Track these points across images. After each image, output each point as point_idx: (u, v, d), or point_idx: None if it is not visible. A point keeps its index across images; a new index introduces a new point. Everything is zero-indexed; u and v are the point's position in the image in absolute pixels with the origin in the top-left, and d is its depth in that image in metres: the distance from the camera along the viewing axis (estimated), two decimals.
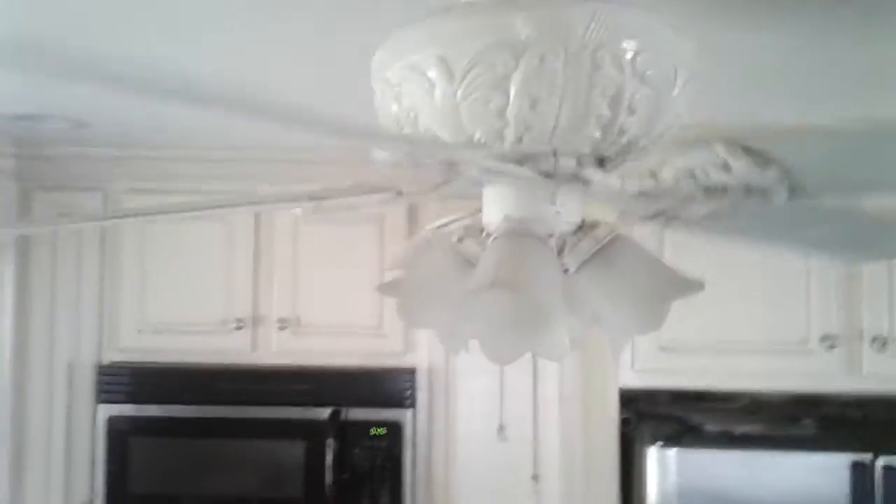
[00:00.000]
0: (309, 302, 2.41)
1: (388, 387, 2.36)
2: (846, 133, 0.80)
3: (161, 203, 2.16)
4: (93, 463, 2.37)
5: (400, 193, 1.02)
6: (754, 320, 2.22)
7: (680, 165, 0.92)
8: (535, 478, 2.11)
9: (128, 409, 2.36)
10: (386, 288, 1.06)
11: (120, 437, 2.35)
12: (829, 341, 2.22)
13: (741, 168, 0.87)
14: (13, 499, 2.39)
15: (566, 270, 1.00)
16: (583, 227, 0.99)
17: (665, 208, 0.95)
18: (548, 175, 0.97)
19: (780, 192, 0.91)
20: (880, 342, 2.21)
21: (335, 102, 1.93)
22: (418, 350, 2.41)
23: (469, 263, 1.01)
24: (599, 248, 0.98)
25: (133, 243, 2.42)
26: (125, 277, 2.43)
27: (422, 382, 2.40)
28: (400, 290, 1.04)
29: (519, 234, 0.94)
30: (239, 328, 2.40)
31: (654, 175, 0.95)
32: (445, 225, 1.19)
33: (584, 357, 2.24)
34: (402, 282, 1.05)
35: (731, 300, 2.14)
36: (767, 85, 1.70)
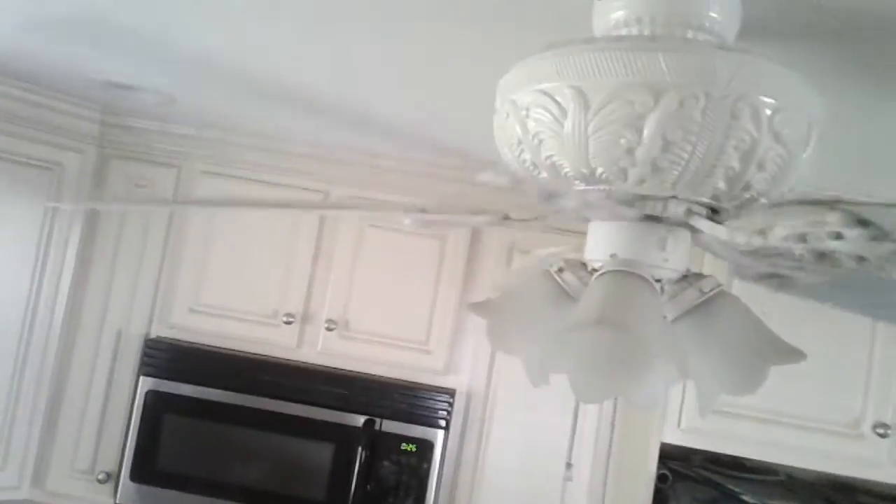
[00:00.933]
0: (360, 307, 2.42)
1: (425, 404, 2.35)
2: None
3: (262, 197, 2.21)
4: (125, 434, 2.38)
5: (507, 217, 1.02)
6: (809, 396, 2.17)
7: (791, 227, 0.90)
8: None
9: (167, 386, 2.37)
10: (477, 307, 1.05)
11: (155, 411, 2.36)
12: (881, 429, 2.16)
13: (854, 238, 0.85)
14: (40, 456, 2.41)
15: (664, 318, 0.98)
16: (687, 277, 0.98)
17: (779, 271, 0.93)
18: (656, 219, 0.96)
19: (893, 267, 0.89)
20: None
21: (439, 127, 1.95)
22: (460, 372, 2.40)
23: (567, 296, 1.00)
24: (702, 301, 0.96)
25: (200, 224, 2.45)
26: (187, 256, 2.45)
27: (459, 405, 2.38)
28: (491, 311, 1.03)
29: (626, 274, 0.93)
30: (288, 323, 2.41)
31: (763, 233, 0.93)
32: (552, 255, 1.18)
33: (628, 406, 2.21)
34: (494, 304, 1.04)
35: (789, 373, 2.07)
36: (884, 158, 1.67)
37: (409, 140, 2.01)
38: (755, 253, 0.95)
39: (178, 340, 2.43)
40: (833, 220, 0.85)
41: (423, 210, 1.00)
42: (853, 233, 0.84)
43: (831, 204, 0.86)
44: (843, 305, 1.11)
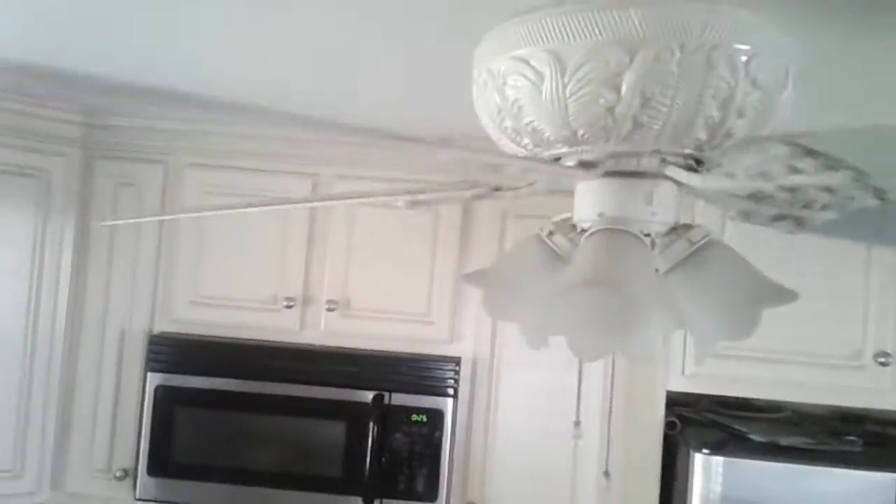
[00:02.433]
0: (359, 285, 2.43)
1: (431, 374, 2.37)
2: None
3: (253, 199, 2.20)
4: (139, 430, 2.40)
5: (498, 188, 1.02)
6: (808, 332, 2.20)
7: (751, 166, 0.90)
8: (607, 474, 2.10)
9: (176, 380, 2.39)
10: (471, 278, 1.06)
11: (166, 406, 2.39)
12: (883, 358, 2.19)
13: (810, 169, 0.85)
14: (56, 460, 2.44)
15: (656, 271, 0.99)
16: (676, 229, 0.99)
17: (788, 212, 0.93)
18: (641, 174, 0.97)
19: (867, 195, 0.90)
20: None
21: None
22: (464, 340, 2.42)
23: (559, 258, 1.01)
24: (692, 251, 0.97)
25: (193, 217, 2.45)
26: (182, 249, 2.46)
27: (465, 372, 2.40)
28: (485, 281, 1.04)
29: (614, 232, 0.94)
30: (289, 307, 2.42)
31: (730, 175, 0.94)
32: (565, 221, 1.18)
33: (628, 359, 2.23)
34: (488, 273, 1.05)
35: (787, 310, 2.10)
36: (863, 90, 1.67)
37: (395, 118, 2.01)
38: (753, 197, 0.96)
39: (182, 334, 2.45)
40: (783, 153, 0.85)
41: (413, 193, 1.01)
42: (806, 163, 0.84)
43: (777, 139, 0.86)
44: (862, 239, 1.11)
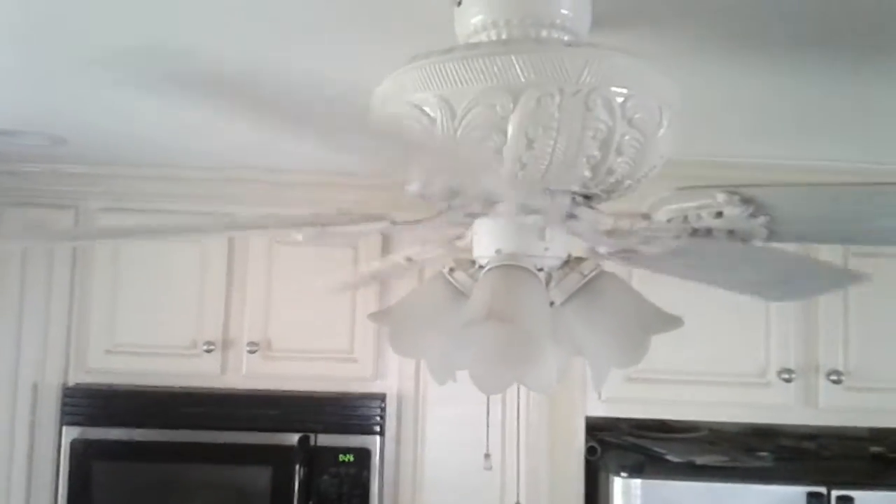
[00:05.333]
0: (280, 326, 2.42)
1: (357, 413, 2.37)
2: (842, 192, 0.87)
3: (154, 223, 2.18)
4: (55, 486, 2.32)
5: (394, 223, 1.06)
6: (716, 353, 2.29)
7: (678, 210, 0.97)
8: None
9: (93, 433, 2.32)
10: (377, 316, 1.08)
11: (84, 460, 2.31)
12: (786, 374, 2.29)
13: (734, 215, 0.93)
14: None
15: (552, 303, 1.04)
16: (569, 262, 1.04)
17: (628, 247, 1.00)
18: (535, 212, 1.02)
19: (759, 238, 0.97)
20: (836, 376, 2.29)
21: None
22: (388, 376, 2.43)
23: (460, 294, 1.05)
24: (585, 283, 1.02)
25: (105, 262, 2.41)
26: (95, 296, 2.41)
27: (391, 409, 2.41)
28: (391, 318, 1.07)
29: (510, 267, 0.98)
30: (209, 351, 2.39)
31: (647, 217, 1.00)
32: (419, 253, 1.23)
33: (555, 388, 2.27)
34: (393, 311, 1.08)
35: (695, 333, 2.17)
36: (752, 123, 1.79)
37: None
38: (615, 232, 1.02)
39: (98, 384, 2.38)
40: (721, 200, 0.92)
41: (313, 224, 1.03)
42: (735, 211, 0.92)
43: (725, 188, 0.93)
44: (684, 275, 1.20)
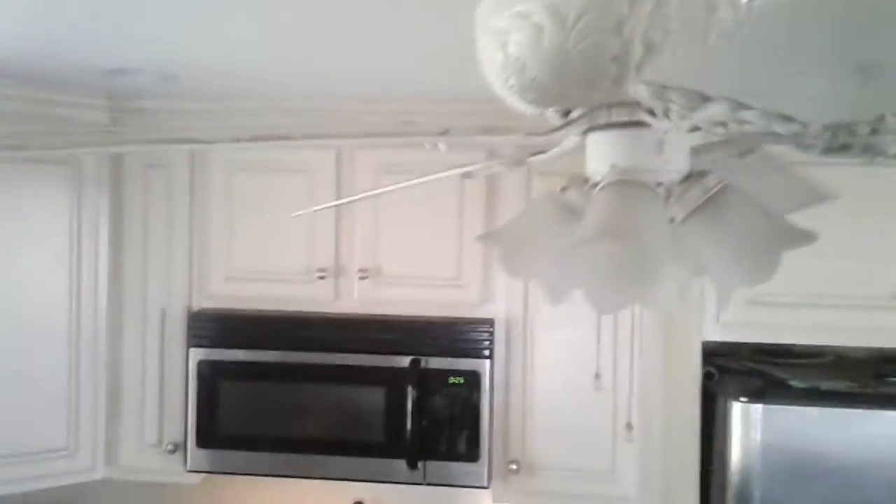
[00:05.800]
0: (390, 252, 2.45)
1: (466, 337, 2.39)
2: None
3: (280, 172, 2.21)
4: (185, 405, 2.47)
5: (529, 133, 1.02)
6: (843, 274, 2.16)
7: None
8: (629, 427, 2.11)
9: (217, 354, 2.45)
10: (486, 238, 1.06)
11: (210, 380, 2.45)
12: None
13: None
14: (109, 437, 2.52)
15: (672, 220, 0.98)
16: (690, 177, 0.98)
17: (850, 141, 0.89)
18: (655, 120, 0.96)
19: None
20: None
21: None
22: (496, 301, 2.43)
23: (573, 213, 1.01)
24: (708, 198, 0.96)
25: (220, 193, 2.49)
26: (213, 227, 2.50)
27: (500, 333, 2.42)
28: (501, 240, 1.05)
29: (626, 183, 0.93)
30: (321, 278, 2.45)
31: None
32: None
33: (663, 312, 2.21)
34: (504, 232, 1.06)
35: (820, 253, 2.06)
36: None
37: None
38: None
39: (220, 309, 2.50)
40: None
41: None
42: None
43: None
44: None
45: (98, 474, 2.52)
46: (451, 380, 2.37)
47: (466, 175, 1.10)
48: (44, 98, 2.29)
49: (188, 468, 2.47)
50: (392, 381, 2.38)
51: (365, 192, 2.36)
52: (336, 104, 2.38)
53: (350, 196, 2.42)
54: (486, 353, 2.37)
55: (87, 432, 2.48)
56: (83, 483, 2.52)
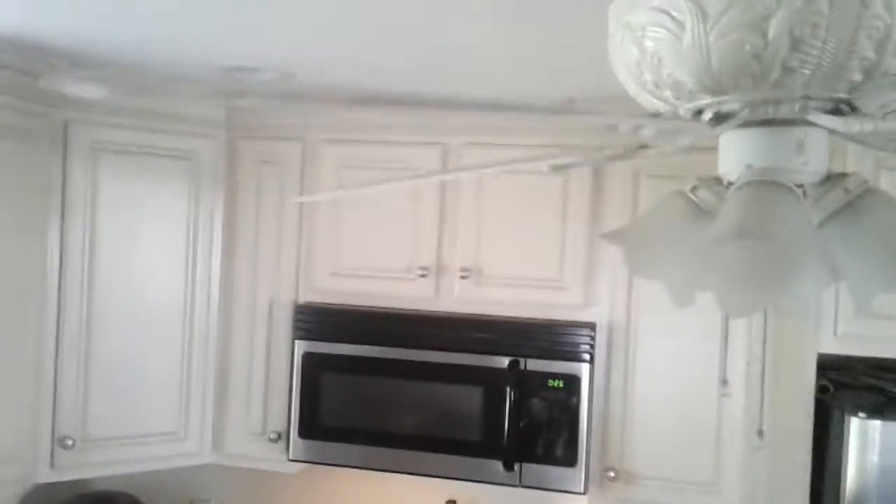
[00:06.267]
0: (491, 253, 2.45)
1: (566, 340, 2.37)
2: None
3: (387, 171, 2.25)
4: (289, 395, 2.54)
5: (643, 146, 1.01)
6: None
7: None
8: (760, 433, 2.04)
9: (321, 347, 2.51)
10: (610, 236, 1.05)
11: (313, 372, 2.51)
12: None
13: None
14: (216, 424, 2.63)
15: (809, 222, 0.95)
16: (830, 178, 0.95)
17: None
18: (790, 122, 0.93)
19: None
20: None
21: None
22: (598, 305, 2.40)
23: (704, 213, 0.99)
24: (849, 201, 0.93)
25: (330, 189, 2.55)
26: (321, 223, 2.57)
27: (601, 338, 2.39)
28: (625, 239, 1.04)
29: (764, 183, 0.91)
30: (423, 276, 2.48)
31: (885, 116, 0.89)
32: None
33: (779, 320, 2.14)
34: (628, 231, 1.04)
35: None
36: None
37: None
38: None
39: (325, 303, 2.56)
40: None
41: (563, 164, 1.01)
42: None
43: None
44: None
45: (205, 458, 2.63)
46: (550, 382, 2.36)
47: (556, 168, 1.08)
48: (169, 94, 2.40)
49: (290, 457, 2.55)
50: (491, 381, 2.39)
51: (464, 183, 2.38)
52: (442, 102, 2.40)
53: (451, 175, 2.43)
54: (587, 357, 2.35)
55: (196, 418, 2.59)
56: (191, 466, 2.63)
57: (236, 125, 2.59)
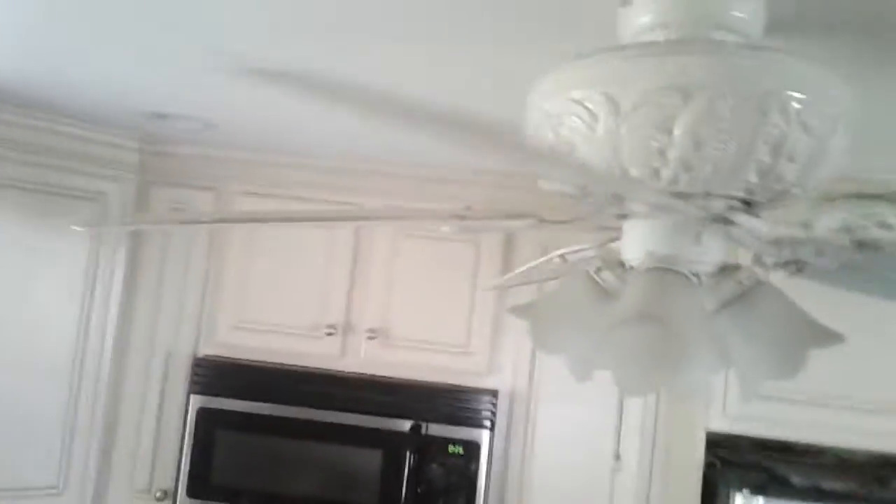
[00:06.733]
0: (400, 315, 2.46)
1: (469, 406, 2.38)
2: None
3: (301, 210, 2.26)
4: (180, 451, 2.44)
5: (542, 220, 1.05)
6: (853, 376, 2.17)
7: (838, 219, 0.93)
8: None
9: (217, 402, 2.43)
10: (518, 310, 1.08)
11: (207, 428, 2.43)
12: None
13: None
14: (99, 479, 2.49)
15: (704, 310, 1.01)
16: (725, 269, 1.01)
17: (798, 258, 0.95)
18: (698, 216, 0.99)
19: None
20: None
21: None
22: (502, 372, 2.43)
23: (606, 294, 1.03)
24: (742, 292, 0.99)
25: (240, 243, 2.51)
26: (228, 275, 2.52)
27: (503, 405, 2.41)
28: (532, 313, 1.07)
29: (663, 270, 0.96)
30: (329, 334, 2.46)
31: (807, 225, 0.96)
32: (572, 252, 1.22)
33: (672, 397, 2.22)
34: (536, 306, 1.08)
35: (831, 354, 2.09)
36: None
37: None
38: (783, 242, 0.97)
39: (225, 357, 2.50)
40: (886, 211, 0.87)
41: (462, 217, 1.04)
42: None
43: (883, 196, 0.88)
44: (856, 288, 1.14)
45: None
46: (451, 448, 2.36)
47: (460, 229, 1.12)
48: (77, 134, 2.34)
49: None
50: (391, 444, 2.37)
51: (377, 243, 2.40)
52: (358, 164, 2.44)
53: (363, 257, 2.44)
54: (488, 423, 2.36)
55: (77, 472, 2.45)
56: None
57: (150, 169, 2.53)
